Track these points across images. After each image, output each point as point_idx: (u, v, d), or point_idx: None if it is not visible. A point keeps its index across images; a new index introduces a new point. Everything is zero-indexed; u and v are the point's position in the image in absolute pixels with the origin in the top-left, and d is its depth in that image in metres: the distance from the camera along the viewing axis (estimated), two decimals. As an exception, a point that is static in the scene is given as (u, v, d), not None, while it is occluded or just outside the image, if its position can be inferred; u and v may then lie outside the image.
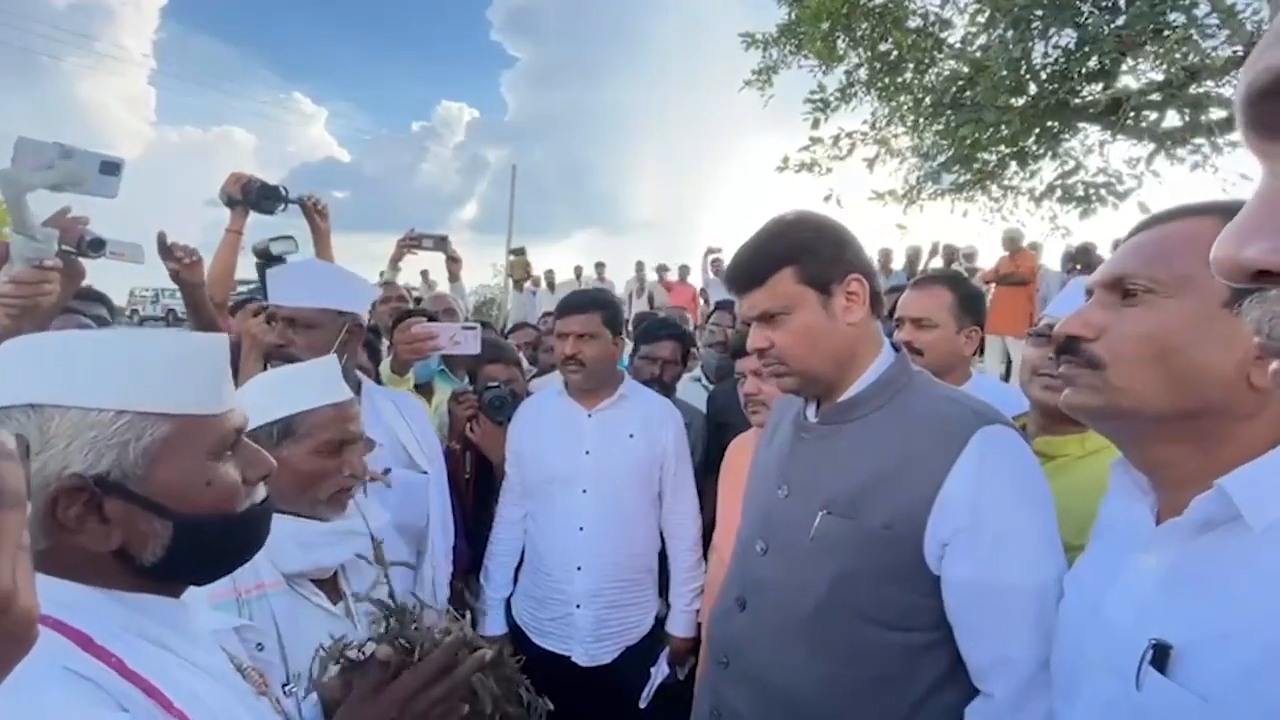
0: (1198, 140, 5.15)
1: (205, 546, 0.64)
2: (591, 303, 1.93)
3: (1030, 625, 0.87)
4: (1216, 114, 5.11)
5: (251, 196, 1.79)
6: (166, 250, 1.65)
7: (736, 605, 1.10)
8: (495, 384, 2.09)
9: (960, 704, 0.93)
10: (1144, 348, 0.67)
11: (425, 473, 1.66)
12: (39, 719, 0.50)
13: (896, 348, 1.08)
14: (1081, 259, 6.31)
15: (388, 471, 1.56)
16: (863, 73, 6.63)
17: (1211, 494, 0.61)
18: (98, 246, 1.32)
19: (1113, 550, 0.75)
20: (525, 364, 2.83)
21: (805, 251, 1.03)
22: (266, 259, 1.75)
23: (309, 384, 1.13)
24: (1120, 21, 4.97)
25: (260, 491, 0.69)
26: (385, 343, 2.25)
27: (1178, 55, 4.82)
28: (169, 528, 0.60)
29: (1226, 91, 5.01)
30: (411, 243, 2.70)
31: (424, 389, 2.42)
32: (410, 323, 2.15)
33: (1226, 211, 0.63)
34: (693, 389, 2.74)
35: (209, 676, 0.64)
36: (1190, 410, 0.65)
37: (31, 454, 0.55)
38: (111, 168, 1.23)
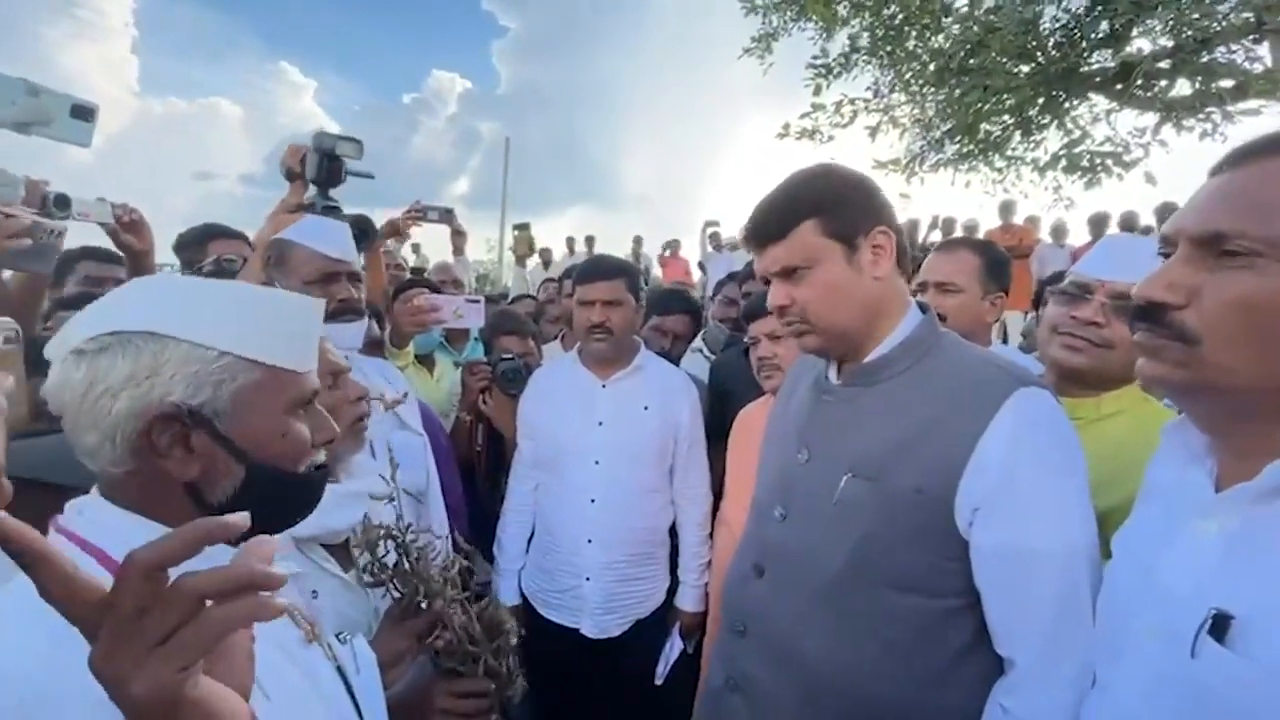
0: (1208, 109, 5.08)
1: (270, 497, 0.67)
2: (617, 269, 1.89)
3: (1056, 592, 0.86)
4: (1227, 82, 5.04)
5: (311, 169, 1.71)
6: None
7: (754, 572, 1.09)
8: (510, 356, 2.06)
9: (987, 671, 0.93)
10: (1248, 320, 0.59)
11: (421, 435, 1.64)
12: (60, 648, 0.49)
13: (924, 308, 1.05)
14: (1094, 230, 6.34)
15: (405, 395, 1.54)
16: (865, 39, 6.49)
17: None
18: (63, 204, 1.25)
19: (1165, 514, 0.72)
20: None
21: (830, 202, 0.99)
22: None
23: None
24: (1134, -18, 4.85)
25: (322, 456, 0.73)
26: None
27: (1191, 18, 4.73)
28: (241, 471, 0.65)
29: (1238, 59, 4.94)
30: (416, 214, 2.64)
31: (425, 360, 2.38)
32: (413, 294, 2.10)
33: None
34: (694, 359, 2.73)
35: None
36: None
37: (142, 378, 0.60)
38: (84, 113, 1.15)
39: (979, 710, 0.91)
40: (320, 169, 1.64)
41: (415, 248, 9.23)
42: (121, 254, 1.60)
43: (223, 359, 0.63)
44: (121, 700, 0.41)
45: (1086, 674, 0.81)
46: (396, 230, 2.56)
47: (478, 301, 2.07)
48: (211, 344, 0.62)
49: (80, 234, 1.46)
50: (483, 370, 2.07)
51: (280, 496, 0.69)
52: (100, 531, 0.61)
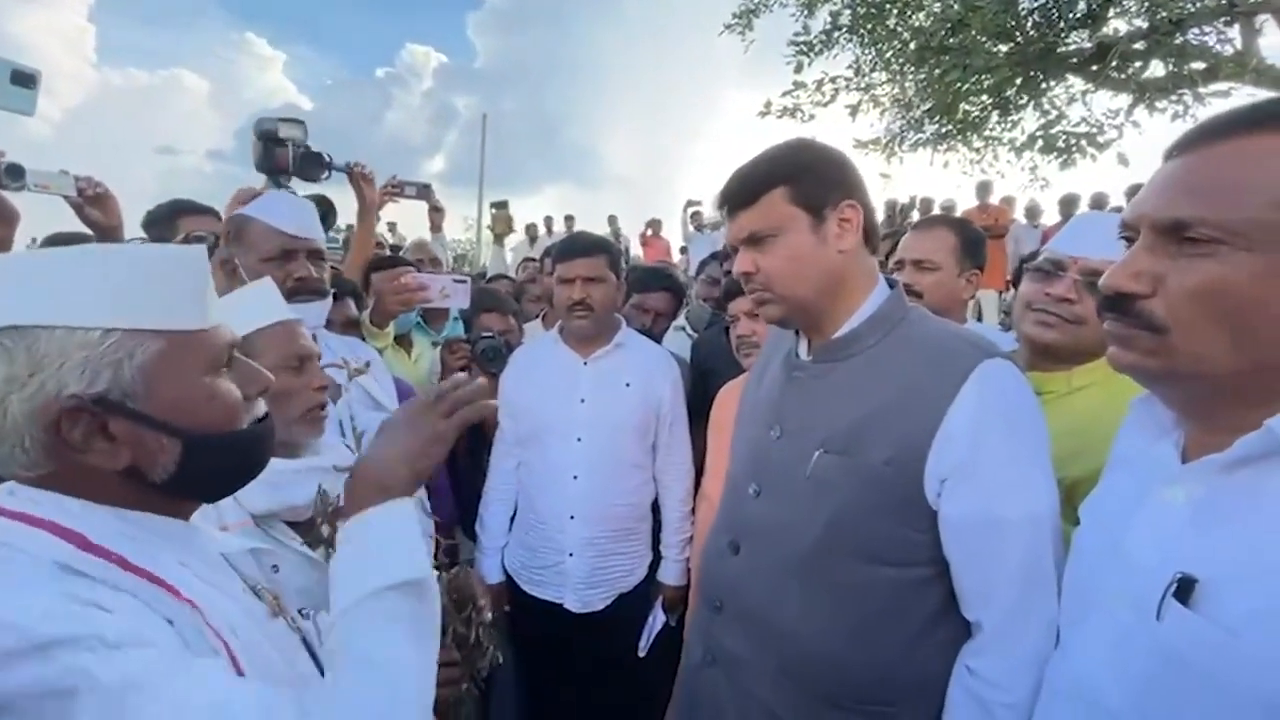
0: (1180, 90, 5.17)
1: (215, 462, 0.64)
2: (597, 245, 1.88)
3: (1022, 559, 0.89)
4: (1198, 64, 5.12)
5: (296, 164, 1.67)
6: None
7: (730, 548, 1.10)
8: (490, 334, 2.04)
9: (956, 639, 0.96)
10: (1212, 307, 0.59)
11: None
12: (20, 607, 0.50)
13: (892, 282, 1.06)
14: (1064, 210, 6.43)
15: (368, 365, 1.52)
16: (846, 16, 6.44)
17: (1260, 433, 0.58)
18: (16, 175, 1.20)
19: (1132, 484, 0.73)
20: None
21: (800, 171, 1.00)
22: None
23: (251, 306, 1.08)
24: (1111, -37, 4.89)
25: (260, 407, 0.70)
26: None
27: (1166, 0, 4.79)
28: (178, 445, 0.61)
29: (1210, 41, 5.02)
30: (393, 190, 2.57)
31: (401, 340, 2.35)
32: (400, 272, 2.06)
33: None
34: (676, 337, 2.73)
35: (221, 594, 0.64)
36: (1259, 368, 0.60)
37: (25, 378, 0.54)
38: (25, 79, 1.10)
39: (948, 674, 0.94)
40: (266, 156, 1.59)
41: (391, 226, 9.06)
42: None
43: (110, 337, 0.56)
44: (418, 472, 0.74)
45: (1050, 637, 0.84)
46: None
47: (464, 281, 2.03)
48: (90, 324, 0.56)
49: (43, 208, 1.40)
50: (462, 349, 2.05)
51: (227, 460, 0.66)
52: (44, 509, 0.58)
